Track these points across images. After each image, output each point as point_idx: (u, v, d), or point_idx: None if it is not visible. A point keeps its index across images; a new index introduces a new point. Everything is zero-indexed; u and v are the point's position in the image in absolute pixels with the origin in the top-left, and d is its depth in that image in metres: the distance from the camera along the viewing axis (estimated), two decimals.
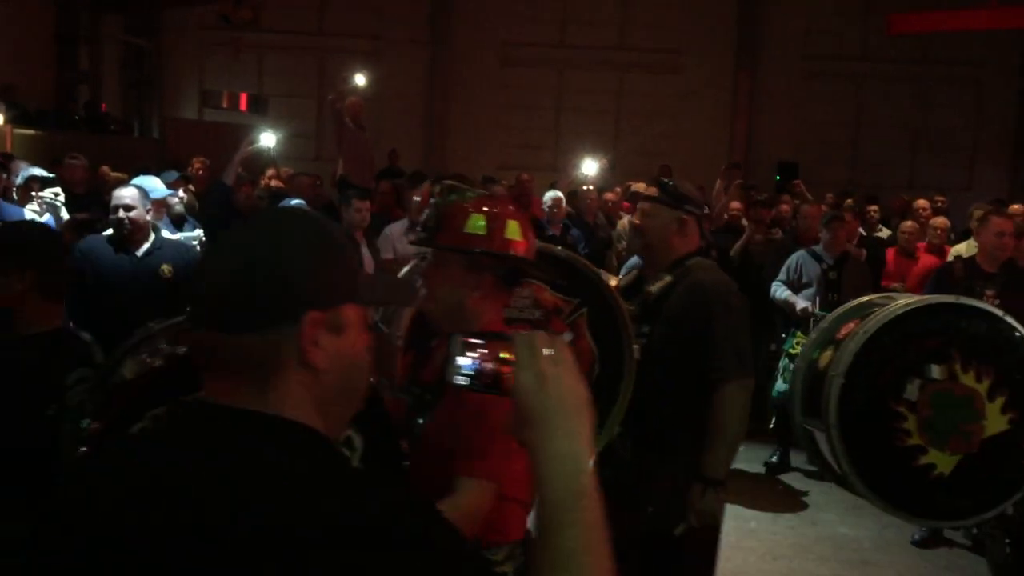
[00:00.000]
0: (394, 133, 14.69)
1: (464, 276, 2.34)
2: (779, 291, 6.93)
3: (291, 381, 1.16)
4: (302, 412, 1.16)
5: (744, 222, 8.97)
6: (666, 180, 3.60)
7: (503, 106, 16.96)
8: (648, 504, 3.31)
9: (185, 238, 6.54)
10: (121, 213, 4.79)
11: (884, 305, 3.66)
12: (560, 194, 8.13)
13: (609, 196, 9.43)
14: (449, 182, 2.84)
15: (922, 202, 9.50)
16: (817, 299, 6.58)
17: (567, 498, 1.16)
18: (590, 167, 10.10)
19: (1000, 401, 3.33)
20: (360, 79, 11.50)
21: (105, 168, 9.26)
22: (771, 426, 6.90)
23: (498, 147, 16.43)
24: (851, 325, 3.70)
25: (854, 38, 17.00)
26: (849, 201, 10.69)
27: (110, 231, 4.84)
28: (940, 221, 8.40)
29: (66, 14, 14.49)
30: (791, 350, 6.46)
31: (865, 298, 4.05)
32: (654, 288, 3.44)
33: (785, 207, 9.67)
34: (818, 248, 7.06)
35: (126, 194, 4.88)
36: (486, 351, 1.24)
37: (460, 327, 2.19)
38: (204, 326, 1.16)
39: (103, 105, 14.48)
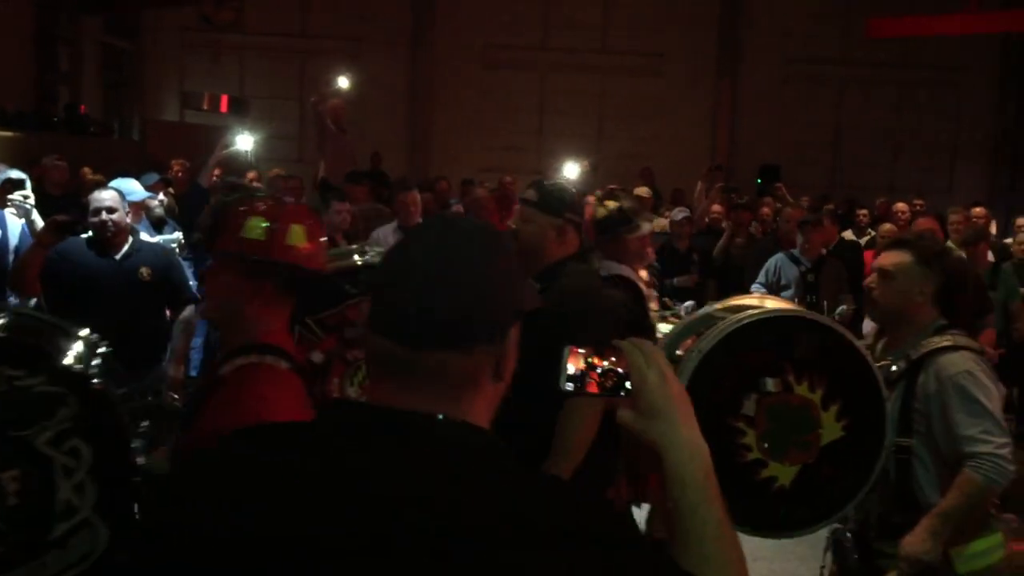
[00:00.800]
0: (376, 136, 14.66)
1: (241, 283, 2.17)
2: (758, 292, 6.96)
3: (482, 394, 1.20)
4: (483, 422, 1.20)
5: (724, 224, 9.01)
6: (547, 184, 3.46)
7: (485, 109, 16.96)
8: None
9: (165, 241, 6.51)
10: (104, 215, 4.76)
11: (722, 319, 3.67)
12: None
13: (591, 199, 9.41)
14: (232, 179, 2.78)
15: (901, 205, 9.56)
16: (796, 301, 6.62)
17: (700, 477, 1.27)
18: (571, 170, 10.11)
19: (834, 409, 3.35)
20: (343, 82, 11.47)
21: (86, 170, 9.20)
22: None
23: (481, 150, 16.43)
24: (689, 342, 3.69)
25: (835, 42, 17.09)
26: (830, 206, 10.75)
27: (88, 233, 4.81)
28: (925, 223, 8.44)
29: (45, 15, 14.36)
30: None
31: (705, 311, 4.02)
32: None
33: (766, 210, 9.72)
34: (796, 251, 7.11)
35: (107, 196, 4.86)
36: (597, 359, 1.37)
37: (240, 337, 2.15)
38: (397, 338, 1.15)
39: (82, 107, 14.37)
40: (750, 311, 3.39)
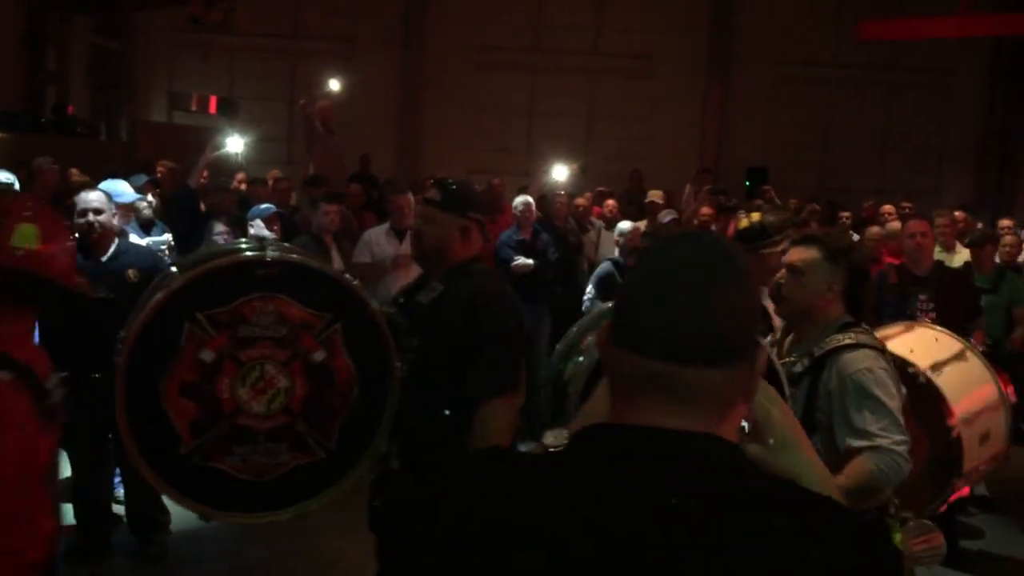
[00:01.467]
0: (367, 137, 14.63)
1: None
2: None
3: (735, 413, 1.19)
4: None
5: (713, 228, 9.02)
6: (451, 183, 3.36)
7: (476, 110, 16.95)
8: None
9: (154, 243, 6.49)
10: (91, 216, 4.75)
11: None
12: (530, 199, 8.15)
13: (580, 201, 9.44)
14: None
15: (887, 207, 9.60)
16: None
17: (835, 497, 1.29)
18: (561, 172, 10.11)
19: None
20: (335, 84, 11.46)
21: (73, 171, 9.16)
22: None
23: (471, 151, 16.41)
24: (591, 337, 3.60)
25: (825, 45, 17.14)
26: (815, 207, 10.76)
27: (75, 235, 4.78)
28: (917, 225, 8.43)
29: (34, 15, 14.31)
30: None
31: (604, 308, 3.86)
32: (424, 298, 3.23)
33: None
34: None
35: (94, 198, 4.84)
36: None
37: None
38: (660, 355, 1.13)
39: (70, 107, 14.31)
40: None
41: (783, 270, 3.19)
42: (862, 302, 3.23)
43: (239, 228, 6.88)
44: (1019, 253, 8.13)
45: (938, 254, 7.61)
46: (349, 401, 3.22)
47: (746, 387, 1.18)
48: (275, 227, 7.06)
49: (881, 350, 3.10)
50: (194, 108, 14.83)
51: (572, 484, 1.12)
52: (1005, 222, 8.71)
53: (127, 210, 6.25)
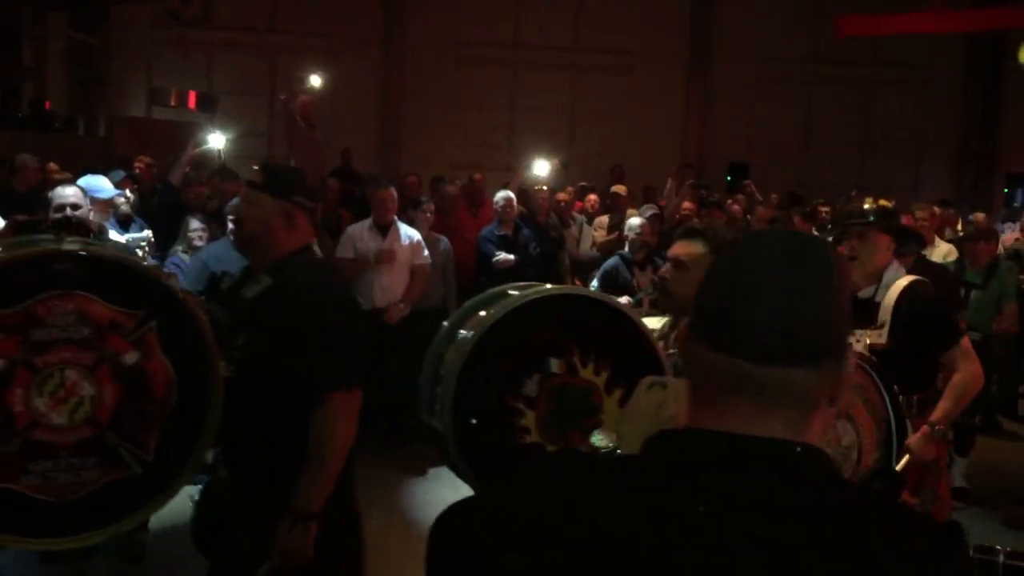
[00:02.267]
0: (347, 132, 14.58)
1: None
2: None
3: (819, 417, 1.15)
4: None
5: (696, 222, 9.03)
6: (275, 165, 3.15)
7: (457, 105, 16.92)
8: (238, 539, 2.80)
9: (133, 239, 6.43)
10: (68, 212, 4.69)
11: (514, 296, 3.48)
12: (511, 194, 8.13)
13: (561, 196, 9.44)
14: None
15: (823, 208, 9.62)
16: None
17: None
18: (542, 167, 10.11)
19: (617, 394, 3.24)
20: (316, 80, 11.40)
21: (52, 166, 9.08)
22: None
23: (452, 147, 16.38)
24: (475, 318, 3.52)
25: (804, 41, 17.22)
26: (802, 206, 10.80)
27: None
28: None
29: (10, 9, 14.17)
30: None
31: (502, 288, 3.82)
32: (249, 292, 2.94)
33: (736, 207, 9.76)
34: None
35: (70, 192, 4.79)
36: None
37: None
38: (749, 356, 1.11)
39: (47, 103, 14.18)
40: (540, 288, 3.27)
41: (667, 264, 3.16)
42: None
43: (217, 223, 6.83)
44: (996, 248, 8.19)
45: None
46: (167, 407, 2.96)
47: (833, 388, 1.15)
48: None
49: None
50: (173, 104, 14.72)
51: (664, 493, 1.09)
52: (979, 216, 8.78)
53: (106, 206, 6.18)
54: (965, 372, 3.61)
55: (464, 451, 3.32)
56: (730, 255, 1.18)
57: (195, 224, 6.60)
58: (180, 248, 6.45)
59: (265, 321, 2.87)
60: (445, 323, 3.42)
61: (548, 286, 3.38)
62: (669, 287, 3.05)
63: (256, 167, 3.06)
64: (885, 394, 3.19)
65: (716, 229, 3.15)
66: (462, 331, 3.38)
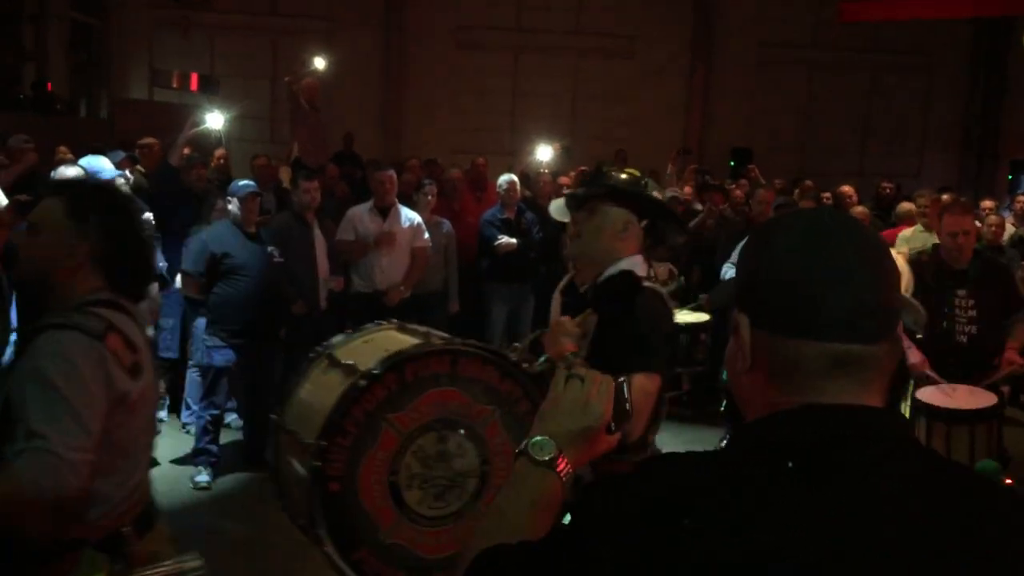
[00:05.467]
0: (349, 115, 14.55)
1: None
2: (729, 272, 7.00)
3: (886, 386, 1.20)
4: None
5: (698, 206, 9.06)
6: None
7: (458, 89, 16.87)
8: None
9: None
10: None
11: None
12: (514, 177, 8.14)
13: (564, 180, 9.43)
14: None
15: (847, 188, 9.58)
16: None
17: None
18: (544, 152, 10.10)
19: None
20: (319, 62, 11.38)
21: (62, 148, 9.04)
22: (722, 408, 7.00)
23: (453, 131, 16.34)
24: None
25: (807, 26, 17.16)
26: (809, 183, 10.80)
27: None
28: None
29: None
30: None
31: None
32: None
33: (739, 192, 9.75)
34: None
35: (71, 173, 4.80)
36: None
37: None
38: (857, 337, 1.13)
39: (49, 85, 14.15)
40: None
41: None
42: None
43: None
44: (1002, 234, 8.20)
45: (920, 234, 7.66)
46: None
47: (894, 358, 1.19)
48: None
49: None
50: (175, 86, 14.67)
51: (823, 484, 1.07)
52: (987, 203, 8.77)
53: None
54: None
55: None
56: (789, 242, 1.17)
57: (221, 205, 6.68)
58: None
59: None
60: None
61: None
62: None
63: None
64: None
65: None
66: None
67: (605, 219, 3.00)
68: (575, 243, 3.10)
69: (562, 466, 1.42)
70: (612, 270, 2.96)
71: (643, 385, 2.74)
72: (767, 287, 1.15)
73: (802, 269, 1.14)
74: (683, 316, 6.90)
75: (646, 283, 2.96)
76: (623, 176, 3.09)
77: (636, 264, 2.98)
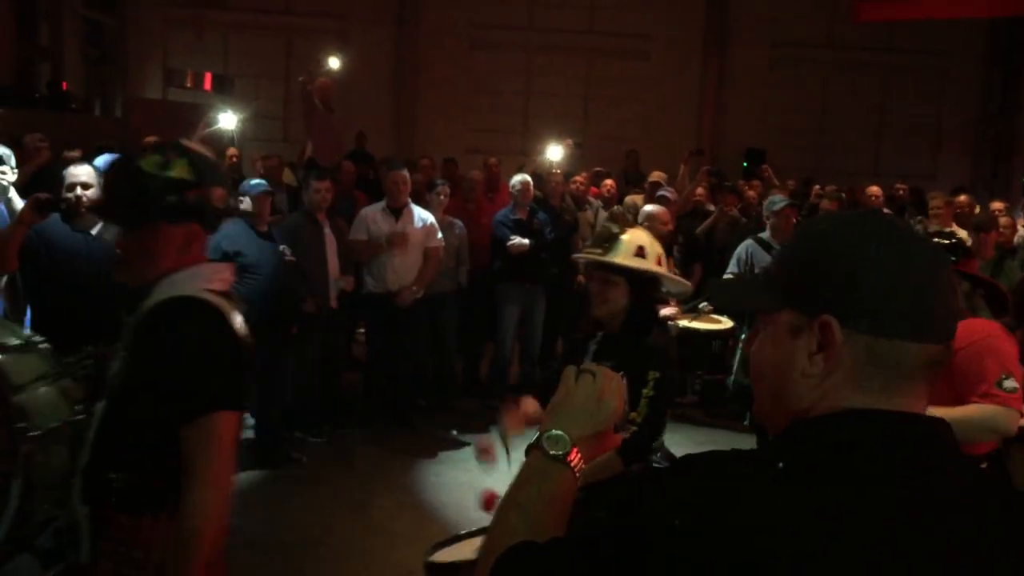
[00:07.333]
0: (361, 115, 14.54)
1: None
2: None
3: None
4: None
5: (711, 207, 9.04)
6: None
7: (471, 89, 16.88)
8: None
9: None
10: (79, 191, 4.73)
11: None
12: (527, 178, 8.12)
13: (578, 179, 9.41)
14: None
15: (874, 189, 9.58)
16: None
17: None
18: (555, 151, 10.08)
19: None
20: (333, 62, 11.39)
21: (69, 152, 9.07)
22: (746, 421, 6.97)
23: (465, 130, 16.35)
24: None
25: (821, 26, 17.08)
26: (818, 188, 10.76)
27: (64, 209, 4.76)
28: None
29: None
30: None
31: None
32: None
33: (752, 193, 9.72)
34: (765, 236, 7.10)
35: (82, 172, 4.82)
36: None
37: None
38: (939, 339, 1.17)
39: (64, 83, 14.21)
40: None
41: None
42: None
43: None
44: (1015, 235, 8.12)
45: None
46: None
47: None
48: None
49: None
50: (189, 85, 14.73)
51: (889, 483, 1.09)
52: (997, 205, 8.71)
53: None
54: None
55: None
56: (880, 245, 1.16)
57: (233, 203, 6.69)
58: None
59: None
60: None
61: None
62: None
63: None
64: None
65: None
66: None
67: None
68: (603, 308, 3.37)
69: (575, 461, 1.42)
70: None
71: None
72: (873, 290, 1.14)
73: (902, 273, 1.15)
74: (704, 324, 6.90)
75: None
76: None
77: None
